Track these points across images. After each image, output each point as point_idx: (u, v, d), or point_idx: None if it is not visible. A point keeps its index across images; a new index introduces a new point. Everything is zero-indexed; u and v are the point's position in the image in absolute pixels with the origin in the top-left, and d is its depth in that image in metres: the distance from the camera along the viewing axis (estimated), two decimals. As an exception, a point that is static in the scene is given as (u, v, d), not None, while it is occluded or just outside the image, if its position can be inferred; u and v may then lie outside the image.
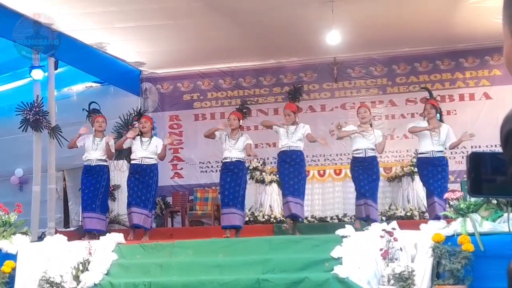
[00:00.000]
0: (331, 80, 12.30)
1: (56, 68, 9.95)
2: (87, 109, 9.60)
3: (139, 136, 8.95)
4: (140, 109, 9.52)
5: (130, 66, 12.38)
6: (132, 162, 9.01)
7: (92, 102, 9.75)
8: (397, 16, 9.88)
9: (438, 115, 8.62)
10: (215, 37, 10.67)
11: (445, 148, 8.66)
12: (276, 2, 9.20)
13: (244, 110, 9.32)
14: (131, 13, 9.40)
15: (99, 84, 13.01)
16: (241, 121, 8.94)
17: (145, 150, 8.84)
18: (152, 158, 8.89)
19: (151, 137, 9.02)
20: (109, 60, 11.53)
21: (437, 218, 7.60)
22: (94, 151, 8.99)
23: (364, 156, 8.51)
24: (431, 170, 8.44)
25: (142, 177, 8.81)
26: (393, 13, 9.73)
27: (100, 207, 8.99)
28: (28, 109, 9.29)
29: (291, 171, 8.54)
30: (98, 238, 7.83)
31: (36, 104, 9.31)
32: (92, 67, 11.30)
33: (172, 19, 9.75)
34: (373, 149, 8.58)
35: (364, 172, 8.48)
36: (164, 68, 12.66)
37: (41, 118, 9.29)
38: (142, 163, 8.83)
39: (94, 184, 8.98)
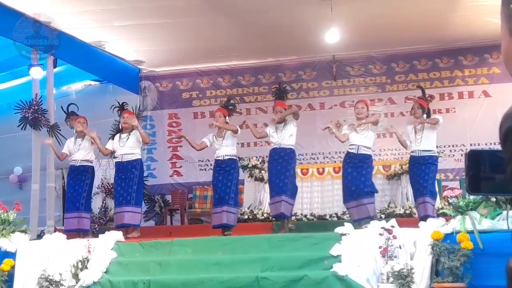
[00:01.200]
0: (330, 78, 12.30)
1: (55, 67, 9.96)
2: (65, 111, 9.44)
3: (118, 134, 8.77)
4: (123, 103, 9.21)
5: (129, 65, 12.38)
6: (115, 160, 8.84)
7: (71, 103, 9.58)
8: (396, 15, 9.88)
9: (424, 115, 8.55)
10: (214, 36, 10.67)
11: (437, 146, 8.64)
12: (275, 1, 9.19)
13: (230, 107, 9.09)
14: (130, 12, 9.39)
15: (98, 83, 13.00)
16: (227, 117, 8.77)
17: (122, 147, 8.62)
18: (133, 153, 8.63)
19: (130, 131, 8.72)
20: (108, 58, 11.53)
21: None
22: (77, 152, 8.87)
23: (356, 152, 8.22)
24: (416, 171, 8.40)
25: (124, 174, 8.60)
26: (392, 11, 9.72)
27: (85, 206, 8.90)
28: (27, 107, 9.29)
29: (279, 169, 8.50)
30: (92, 236, 7.81)
31: (35, 103, 9.31)
32: (91, 65, 11.29)
33: (170, 17, 9.74)
34: (368, 147, 8.28)
35: (353, 170, 8.18)
36: (163, 66, 12.66)
37: (40, 116, 9.29)
38: (122, 160, 8.63)
39: (79, 183, 8.86)
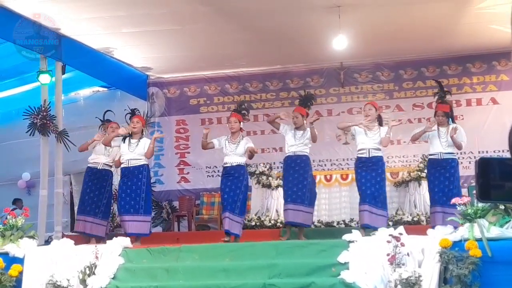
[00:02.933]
0: (337, 85, 12.31)
1: (63, 73, 9.99)
2: (101, 118, 9.61)
3: (127, 138, 8.57)
4: (134, 109, 9.18)
5: (137, 71, 12.42)
6: (121, 166, 8.60)
7: (108, 110, 9.74)
8: (404, 22, 9.87)
9: (450, 119, 8.50)
10: (222, 43, 10.69)
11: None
12: (283, 8, 9.20)
13: (243, 112, 9.02)
14: (138, 18, 9.42)
15: (106, 89, 13.06)
16: (241, 123, 8.69)
17: (131, 152, 8.44)
18: (140, 159, 8.47)
19: (140, 138, 8.59)
20: (116, 64, 11.57)
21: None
22: (104, 156, 9.01)
23: (368, 156, 8.18)
24: (438, 176, 8.27)
25: (131, 180, 8.39)
26: (399, 19, 9.71)
27: (104, 212, 8.96)
28: (35, 113, 9.33)
29: (296, 176, 8.43)
30: (105, 242, 7.81)
31: (43, 109, 9.36)
32: (99, 71, 11.34)
33: (179, 24, 9.77)
34: (378, 149, 8.25)
35: (368, 174, 8.15)
36: (171, 73, 12.71)
37: (48, 122, 9.33)
38: (129, 165, 8.42)
39: (99, 188, 8.95)
